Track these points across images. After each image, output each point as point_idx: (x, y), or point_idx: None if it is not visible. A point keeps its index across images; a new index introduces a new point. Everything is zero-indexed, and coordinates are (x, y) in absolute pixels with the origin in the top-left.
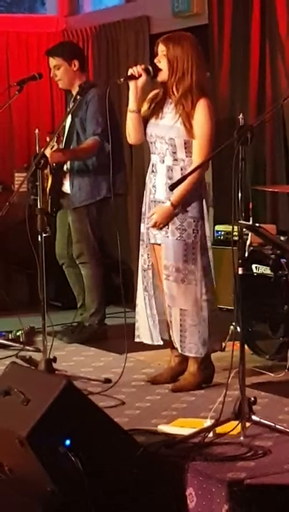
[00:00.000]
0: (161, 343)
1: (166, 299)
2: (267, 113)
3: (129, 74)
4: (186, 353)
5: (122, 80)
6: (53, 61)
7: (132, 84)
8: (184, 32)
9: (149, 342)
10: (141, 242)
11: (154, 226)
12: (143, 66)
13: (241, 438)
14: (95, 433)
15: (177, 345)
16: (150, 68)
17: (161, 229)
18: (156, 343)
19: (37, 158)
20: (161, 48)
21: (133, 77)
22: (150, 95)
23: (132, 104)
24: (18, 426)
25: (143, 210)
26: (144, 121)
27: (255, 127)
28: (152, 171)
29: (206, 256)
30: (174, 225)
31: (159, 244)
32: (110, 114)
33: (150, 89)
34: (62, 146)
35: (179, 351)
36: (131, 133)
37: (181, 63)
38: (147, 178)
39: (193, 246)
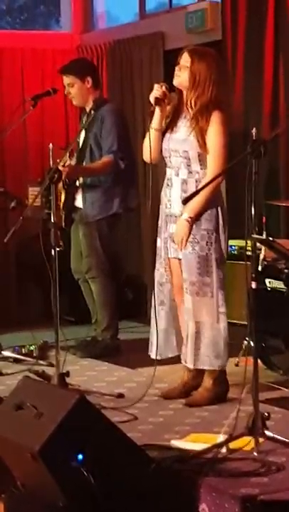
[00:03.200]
0: (166, 356)
1: (185, 313)
2: (280, 127)
3: (156, 99)
4: (200, 367)
5: (153, 107)
6: (66, 79)
7: (156, 102)
8: (210, 48)
9: (153, 356)
10: (157, 257)
11: (177, 244)
12: (163, 86)
13: (255, 453)
14: (107, 448)
15: (190, 359)
16: (167, 85)
17: (185, 245)
18: (160, 358)
19: (51, 173)
20: (185, 58)
21: (161, 100)
22: (167, 111)
23: (157, 123)
24: (31, 440)
25: (159, 224)
26: (160, 134)
27: (268, 141)
28: (167, 185)
29: (222, 268)
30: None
31: (178, 259)
32: (124, 130)
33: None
34: (74, 160)
35: (192, 366)
36: (153, 150)
37: (203, 79)
38: (162, 192)
39: (207, 258)
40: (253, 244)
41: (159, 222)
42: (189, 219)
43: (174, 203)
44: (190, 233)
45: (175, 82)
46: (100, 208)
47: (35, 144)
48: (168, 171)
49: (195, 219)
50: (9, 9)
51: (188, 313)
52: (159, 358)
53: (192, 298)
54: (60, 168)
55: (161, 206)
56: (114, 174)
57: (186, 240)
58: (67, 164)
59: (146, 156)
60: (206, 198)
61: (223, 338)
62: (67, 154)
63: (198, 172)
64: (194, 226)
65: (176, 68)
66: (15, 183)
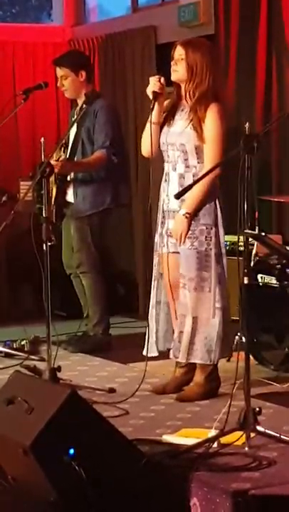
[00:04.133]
0: (156, 354)
1: (180, 308)
2: (273, 122)
3: (154, 93)
4: (192, 360)
5: (153, 103)
6: (60, 71)
7: (153, 96)
8: (203, 38)
9: (155, 354)
10: (155, 253)
11: (177, 240)
12: (160, 79)
13: (246, 448)
14: (98, 443)
15: (183, 354)
16: (163, 78)
17: (181, 240)
18: (150, 355)
19: (42, 167)
20: (179, 52)
21: (159, 94)
22: (165, 105)
23: (156, 117)
24: (22, 435)
25: (158, 219)
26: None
27: (261, 136)
28: (165, 180)
29: (220, 263)
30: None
31: (176, 253)
32: (117, 125)
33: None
34: (67, 155)
35: (184, 361)
36: (146, 144)
37: (200, 68)
38: (161, 187)
39: (206, 253)
40: (245, 240)
41: (158, 216)
42: (187, 215)
43: (172, 198)
44: (189, 228)
45: (173, 78)
46: (92, 203)
47: (27, 138)
48: (166, 165)
49: (193, 214)
50: (0, 2)
51: (186, 308)
52: (150, 355)
53: (190, 294)
54: (53, 162)
55: (159, 202)
56: (106, 169)
57: (185, 236)
58: (61, 159)
59: (147, 151)
60: (204, 192)
61: (217, 333)
62: (61, 149)
63: (195, 166)
64: (193, 221)
65: (172, 63)
66: (6, 178)
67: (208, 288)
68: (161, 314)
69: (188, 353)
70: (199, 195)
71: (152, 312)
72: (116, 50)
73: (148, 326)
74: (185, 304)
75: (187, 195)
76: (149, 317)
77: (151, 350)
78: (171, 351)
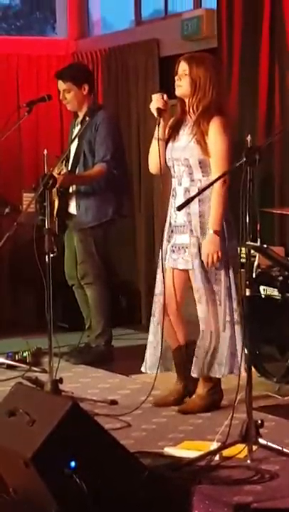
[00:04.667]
0: (153, 372)
1: (200, 323)
2: (275, 135)
3: (159, 109)
4: (200, 375)
5: (158, 121)
6: (62, 85)
7: (158, 113)
8: (206, 53)
9: (142, 370)
10: (158, 267)
11: (209, 262)
12: (163, 96)
13: (248, 461)
14: (100, 455)
15: (197, 370)
16: (166, 95)
17: (218, 260)
18: (148, 372)
19: (45, 179)
20: (183, 67)
21: (163, 111)
22: (170, 122)
23: (162, 133)
24: (23, 447)
25: (165, 234)
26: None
27: (263, 149)
28: (172, 195)
29: (228, 276)
30: (195, 248)
31: (180, 270)
32: (118, 138)
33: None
34: (68, 167)
35: (196, 376)
36: (153, 161)
37: (203, 83)
38: (169, 202)
39: (216, 267)
40: (247, 252)
41: (165, 231)
42: (218, 232)
43: (179, 213)
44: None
45: (177, 93)
46: (94, 215)
47: (30, 150)
48: (172, 181)
49: (219, 230)
50: (5, 15)
51: (203, 322)
52: (149, 372)
53: (201, 307)
54: (55, 175)
55: (167, 216)
56: (107, 181)
57: (217, 255)
58: (63, 173)
59: (156, 168)
60: (223, 205)
61: (227, 347)
62: (63, 162)
63: (200, 180)
64: (203, 236)
65: (176, 78)
66: (9, 189)
67: (218, 301)
68: (152, 325)
69: (200, 368)
70: (220, 209)
71: (158, 328)
72: (119, 62)
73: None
74: (202, 319)
75: (211, 214)
76: (153, 332)
77: (154, 366)
78: (192, 367)
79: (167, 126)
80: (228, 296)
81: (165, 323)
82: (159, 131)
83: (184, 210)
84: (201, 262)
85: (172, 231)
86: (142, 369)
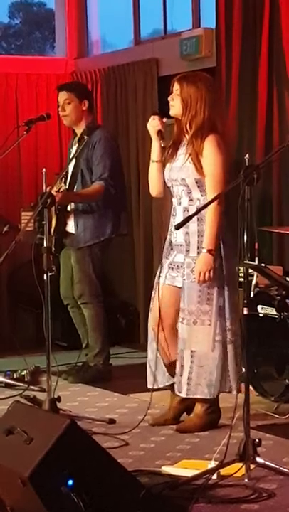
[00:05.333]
0: (156, 386)
1: (179, 343)
2: (273, 154)
3: (159, 131)
4: (192, 396)
5: (159, 144)
6: (64, 95)
7: (159, 136)
8: (200, 72)
9: (150, 386)
10: (155, 285)
11: (201, 280)
12: (162, 120)
13: (246, 480)
14: (98, 473)
15: (184, 389)
16: (160, 115)
17: (209, 279)
18: (150, 387)
19: (44, 198)
20: (175, 87)
21: (162, 132)
22: (170, 143)
23: (156, 155)
24: (21, 465)
25: (164, 252)
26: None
27: (261, 168)
28: (172, 215)
29: (222, 296)
30: (189, 267)
31: (174, 286)
32: (116, 156)
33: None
34: (66, 186)
35: (185, 396)
36: (154, 183)
37: (194, 102)
38: (170, 221)
39: (208, 286)
40: (245, 271)
41: (164, 249)
42: (212, 252)
43: (179, 232)
44: (212, 265)
45: (171, 113)
46: (92, 234)
47: (29, 169)
48: (173, 200)
49: (213, 249)
50: (5, 35)
51: (184, 342)
52: (155, 386)
53: (188, 327)
54: (54, 193)
55: (167, 234)
56: (105, 200)
57: (209, 274)
58: (62, 190)
59: (155, 191)
60: (218, 225)
61: (217, 367)
62: (62, 179)
63: (199, 199)
64: (197, 255)
65: (169, 99)
66: (8, 208)
67: (208, 321)
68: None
69: (187, 389)
70: (216, 229)
71: (153, 345)
72: (118, 82)
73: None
74: (183, 339)
75: (206, 233)
76: (150, 350)
77: (154, 381)
78: (175, 386)
79: (167, 148)
80: (219, 316)
81: (160, 338)
82: (155, 153)
83: (183, 229)
84: (192, 283)
85: (172, 249)
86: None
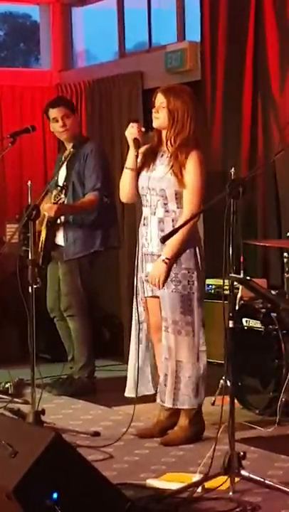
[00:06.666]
0: (147, 393)
1: (164, 352)
2: (259, 167)
3: (136, 140)
4: (179, 406)
5: (136, 152)
6: (62, 110)
7: (135, 144)
8: (183, 85)
9: (132, 395)
10: (135, 296)
11: (153, 284)
12: (140, 128)
13: (230, 493)
14: (82, 486)
15: (169, 399)
16: (143, 126)
17: (162, 286)
18: (139, 394)
19: (29, 210)
20: (160, 99)
21: (139, 141)
22: (142, 149)
23: (131, 162)
24: (5, 479)
25: (136, 263)
26: (136, 174)
27: (246, 181)
28: (144, 224)
29: (202, 307)
30: (169, 277)
31: (156, 297)
32: (106, 168)
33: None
34: (65, 198)
35: (170, 406)
36: (126, 190)
37: (181, 115)
38: (139, 231)
39: (189, 298)
40: (230, 284)
41: (137, 261)
42: (167, 260)
43: (152, 242)
44: (167, 275)
45: (155, 125)
46: (82, 246)
47: (14, 181)
48: (144, 210)
49: (173, 260)
50: None
51: (169, 351)
52: (132, 395)
53: (174, 337)
54: (48, 205)
55: (137, 245)
56: (97, 212)
57: (163, 281)
58: (60, 202)
59: (126, 197)
60: (183, 238)
61: (201, 377)
62: (62, 191)
63: (174, 211)
64: (175, 265)
65: (154, 110)
66: None
67: (192, 332)
68: (139, 351)
69: (174, 399)
70: (178, 241)
71: (135, 355)
72: (103, 94)
73: (135, 367)
74: (168, 347)
75: (170, 241)
76: (132, 360)
77: (132, 391)
78: (157, 395)
79: (140, 153)
80: (201, 327)
81: (155, 349)
82: (131, 161)
83: (157, 239)
84: (173, 293)
85: (143, 260)
86: (132, 394)
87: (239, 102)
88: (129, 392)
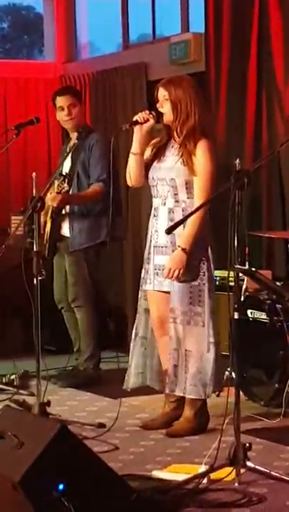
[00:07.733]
0: (144, 384)
1: (172, 343)
2: (263, 158)
3: (134, 120)
4: (188, 395)
5: (127, 125)
6: (68, 99)
7: (137, 128)
8: (182, 74)
9: (137, 386)
10: (141, 287)
11: (169, 276)
12: (149, 112)
13: (236, 484)
14: (88, 478)
15: (180, 388)
16: (154, 114)
17: (178, 277)
18: (147, 384)
19: (33, 202)
20: (162, 93)
21: (138, 123)
22: (153, 141)
23: (135, 147)
24: (11, 470)
25: (145, 255)
26: (147, 165)
27: (251, 172)
28: (154, 215)
29: (213, 298)
30: None
31: (163, 292)
32: (112, 158)
33: (155, 136)
34: (68, 187)
35: (181, 394)
36: (132, 175)
37: (184, 105)
38: (150, 222)
39: (199, 288)
40: (235, 275)
41: (145, 252)
42: (186, 250)
43: (161, 233)
44: (184, 265)
45: (165, 120)
46: (88, 237)
47: (18, 173)
48: (154, 200)
49: (191, 249)
50: None
51: (178, 342)
52: (135, 386)
53: (182, 327)
54: (53, 195)
55: (147, 236)
56: (102, 202)
57: (183, 272)
58: (64, 191)
59: (129, 180)
60: (198, 227)
61: (211, 368)
62: (65, 180)
63: (184, 201)
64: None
65: (158, 106)
66: None
67: (201, 323)
68: (148, 350)
69: (184, 387)
70: (195, 230)
71: (137, 346)
72: (107, 86)
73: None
74: (176, 338)
75: (183, 232)
76: (133, 351)
77: (130, 383)
78: (166, 386)
79: (152, 145)
80: (211, 318)
81: (162, 342)
82: (133, 146)
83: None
84: (182, 285)
85: (153, 252)
86: (136, 385)
87: (243, 93)
88: (129, 385)
